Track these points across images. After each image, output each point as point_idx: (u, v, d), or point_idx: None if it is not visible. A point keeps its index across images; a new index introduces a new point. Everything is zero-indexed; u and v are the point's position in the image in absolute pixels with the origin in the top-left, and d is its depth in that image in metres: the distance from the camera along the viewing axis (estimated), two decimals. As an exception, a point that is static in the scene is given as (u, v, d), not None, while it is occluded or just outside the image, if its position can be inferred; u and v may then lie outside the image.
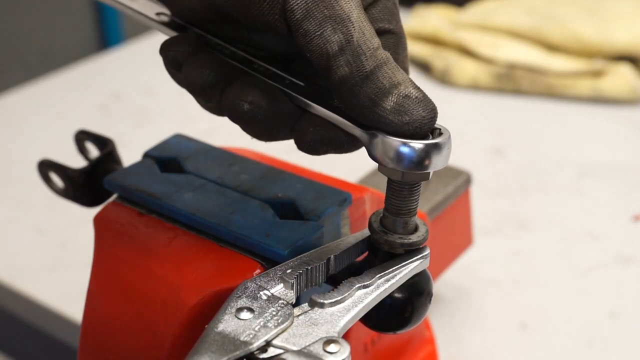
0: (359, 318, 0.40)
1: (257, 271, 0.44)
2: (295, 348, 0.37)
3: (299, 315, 0.39)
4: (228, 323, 0.38)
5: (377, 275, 0.41)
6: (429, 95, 0.39)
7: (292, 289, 0.40)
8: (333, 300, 0.40)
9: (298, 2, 0.38)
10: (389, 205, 0.42)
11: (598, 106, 1.11)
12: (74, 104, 1.15)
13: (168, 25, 0.45)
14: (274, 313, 0.39)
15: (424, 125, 0.38)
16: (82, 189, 0.54)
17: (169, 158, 0.52)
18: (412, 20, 1.28)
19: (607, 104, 1.11)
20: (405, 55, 0.43)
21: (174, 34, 0.45)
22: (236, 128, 0.42)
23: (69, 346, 0.71)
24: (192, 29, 0.45)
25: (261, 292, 0.40)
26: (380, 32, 0.41)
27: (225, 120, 0.43)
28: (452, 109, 1.12)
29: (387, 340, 0.57)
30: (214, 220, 0.46)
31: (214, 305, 0.42)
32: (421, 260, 0.42)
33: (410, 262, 0.42)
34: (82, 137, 0.57)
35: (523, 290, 0.77)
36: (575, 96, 1.12)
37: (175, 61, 0.42)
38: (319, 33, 0.38)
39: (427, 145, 0.38)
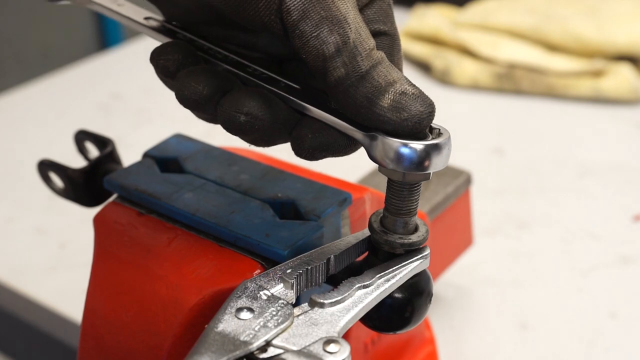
0: (359, 318, 0.40)
1: (257, 271, 0.44)
2: (295, 348, 0.37)
3: (299, 315, 0.39)
4: (228, 323, 0.38)
5: (377, 275, 0.41)
6: (428, 95, 0.39)
7: (292, 289, 0.40)
8: (333, 300, 0.40)
9: (295, 2, 0.37)
10: (389, 205, 0.42)
11: (598, 106, 1.11)
12: (74, 104, 1.15)
13: (157, 30, 0.45)
14: (274, 313, 0.39)
15: (423, 120, 0.38)
16: (82, 189, 0.54)
17: (169, 158, 0.52)
18: (412, 20, 1.28)
19: (607, 104, 1.11)
20: (400, 57, 0.43)
21: (164, 38, 0.44)
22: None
23: (69, 346, 0.71)
24: (182, 34, 0.44)
25: (261, 292, 0.40)
26: (375, 34, 0.41)
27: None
28: (452, 109, 1.12)
29: (387, 340, 0.57)
30: (214, 220, 0.46)
31: (214, 305, 0.42)
32: (421, 260, 0.42)
33: (410, 262, 0.42)
34: (82, 137, 0.57)
35: (523, 290, 0.77)
36: (575, 96, 1.12)
37: (166, 70, 0.42)
38: (315, 34, 0.37)
39: (427, 146, 0.38)
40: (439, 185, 0.68)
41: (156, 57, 0.42)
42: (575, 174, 0.96)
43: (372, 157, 0.39)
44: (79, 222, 0.85)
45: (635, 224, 0.86)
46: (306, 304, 0.40)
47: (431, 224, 0.64)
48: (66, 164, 0.54)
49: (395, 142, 0.38)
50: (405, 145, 0.38)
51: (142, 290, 0.46)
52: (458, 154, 0.88)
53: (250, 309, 0.39)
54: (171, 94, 0.42)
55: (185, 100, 0.41)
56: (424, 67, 1.22)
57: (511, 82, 1.14)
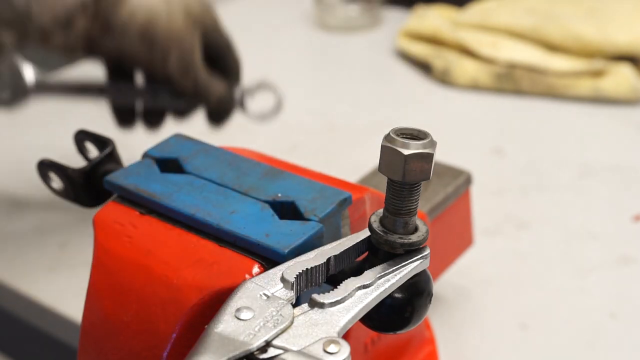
0: (359, 318, 0.40)
1: (257, 271, 0.44)
2: (295, 348, 0.37)
3: (299, 316, 0.39)
4: (228, 323, 0.38)
5: (377, 275, 0.41)
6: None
7: (292, 289, 0.40)
8: (333, 300, 0.40)
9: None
10: (389, 205, 0.42)
11: (598, 106, 1.11)
12: (74, 104, 1.15)
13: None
14: (274, 313, 0.39)
15: None
16: (82, 189, 0.54)
17: (169, 158, 0.52)
18: (412, 20, 1.28)
19: (607, 104, 1.11)
20: None
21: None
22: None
23: (69, 346, 0.71)
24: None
25: (261, 292, 0.40)
26: None
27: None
28: (452, 109, 1.12)
29: (387, 340, 0.57)
30: (214, 220, 0.46)
31: (214, 305, 0.42)
32: (421, 260, 0.42)
33: (410, 262, 0.42)
34: (82, 137, 0.57)
35: (523, 290, 0.77)
36: (575, 96, 1.12)
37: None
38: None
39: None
40: (439, 185, 0.68)
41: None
42: (575, 174, 0.96)
43: None
44: (79, 222, 0.85)
45: (635, 224, 0.86)
46: (306, 304, 0.40)
47: (431, 224, 0.64)
48: (66, 164, 0.54)
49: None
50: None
51: (142, 290, 0.46)
52: (458, 154, 0.88)
53: (250, 309, 0.39)
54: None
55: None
56: (424, 67, 1.22)
57: (511, 82, 1.14)
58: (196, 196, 0.49)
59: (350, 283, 0.41)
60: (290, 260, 0.42)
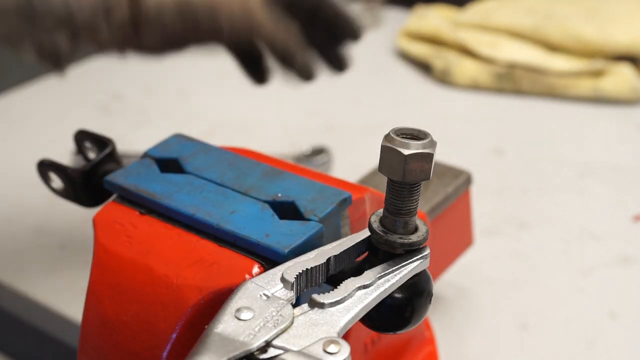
0: (359, 318, 0.40)
1: (257, 271, 0.44)
2: (295, 348, 0.37)
3: (299, 316, 0.39)
4: (228, 323, 0.38)
5: (377, 275, 0.41)
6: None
7: (292, 289, 0.40)
8: (333, 300, 0.40)
9: None
10: (389, 205, 0.42)
11: (598, 106, 1.11)
12: (74, 104, 1.15)
13: None
14: (274, 313, 0.39)
15: None
16: (82, 189, 0.54)
17: (169, 158, 0.52)
18: (412, 20, 1.28)
19: (607, 104, 1.11)
20: None
21: None
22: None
23: (69, 346, 0.71)
24: None
25: (261, 292, 0.40)
26: None
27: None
28: (452, 109, 1.12)
29: (387, 340, 0.57)
30: (214, 220, 0.46)
31: (214, 305, 0.42)
32: (421, 260, 0.42)
33: (410, 262, 0.42)
34: (82, 137, 0.57)
35: (523, 290, 0.77)
36: (576, 96, 1.12)
37: None
38: None
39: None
40: (439, 185, 0.68)
41: None
42: (575, 174, 0.96)
43: None
44: (79, 222, 0.85)
45: (635, 224, 0.86)
46: (306, 304, 0.40)
47: (431, 224, 0.64)
48: (66, 164, 0.54)
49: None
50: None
51: (142, 290, 0.46)
52: (458, 154, 0.88)
53: (250, 309, 0.39)
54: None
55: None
56: (424, 67, 1.22)
57: (511, 82, 1.14)
58: (196, 196, 0.49)
59: (350, 283, 0.41)
60: (290, 260, 0.42)
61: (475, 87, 1.16)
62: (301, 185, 0.49)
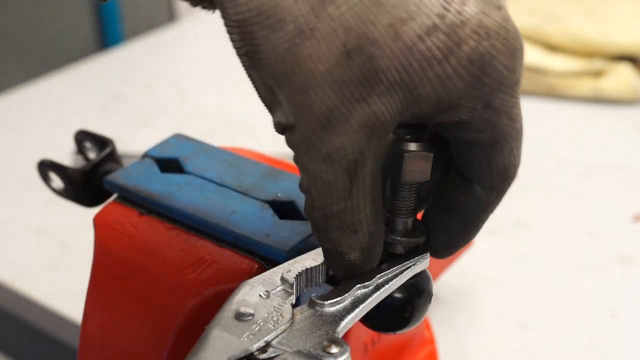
0: (359, 318, 0.40)
1: (257, 271, 0.44)
2: (295, 348, 0.37)
3: (298, 316, 0.39)
4: (228, 323, 0.38)
5: (377, 275, 0.41)
6: None
7: (292, 289, 0.40)
8: (333, 300, 0.40)
9: None
10: (389, 205, 0.42)
11: (598, 106, 1.11)
12: (74, 104, 1.15)
13: None
14: (274, 313, 0.39)
15: None
16: (82, 189, 0.54)
17: (169, 158, 0.52)
18: (412, 20, 1.28)
19: (607, 104, 1.11)
20: None
21: None
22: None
23: (69, 346, 0.71)
24: None
25: (261, 292, 0.40)
26: None
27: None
28: (452, 109, 1.12)
29: (387, 340, 0.57)
30: (214, 220, 0.46)
31: (214, 305, 0.42)
32: (421, 260, 0.42)
33: (410, 262, 0.42)
34: (82, 137, 0.57)
35: (523, 290, 0.77)
36: (575, 96, 1.12)
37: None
38: None
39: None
40: (439, 185, 0.68)
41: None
42: (575, 174, 0.96)
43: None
44: (79, 222, 0.85)
45: (635, 224, 0.86)
46: (306, 304, 0.40)
47: (431, 224, 0.64)
48: (66, 164, 0.54)
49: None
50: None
51: (142, 290, 0.46)
52: (458, 154, 0.88)
53: (250, 310, 0.39)
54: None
55: None
56: (424, 67, 1.21)
57: (511, 82, 1.14)
58: (196, 196, 0.49)
59: (350, 283, 0.41)
60: (290, 260, 0.42)
61: (475, 87, 1.16)
62: (301, 185, 0.49)
